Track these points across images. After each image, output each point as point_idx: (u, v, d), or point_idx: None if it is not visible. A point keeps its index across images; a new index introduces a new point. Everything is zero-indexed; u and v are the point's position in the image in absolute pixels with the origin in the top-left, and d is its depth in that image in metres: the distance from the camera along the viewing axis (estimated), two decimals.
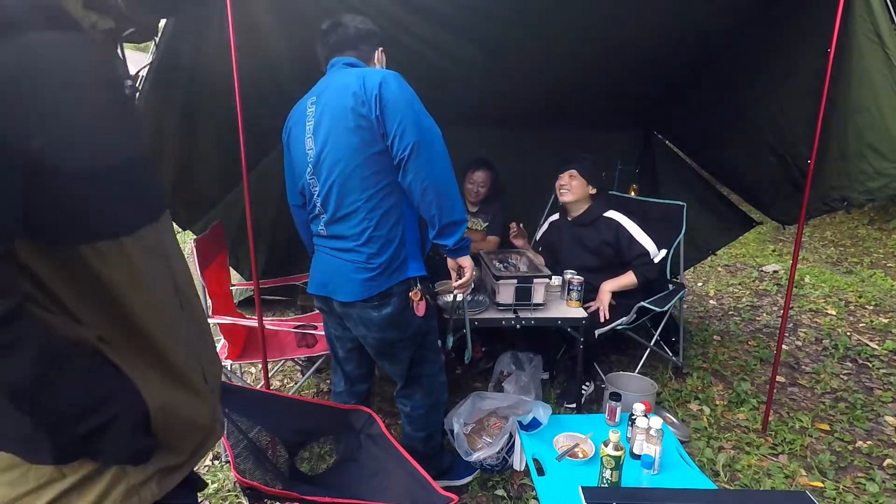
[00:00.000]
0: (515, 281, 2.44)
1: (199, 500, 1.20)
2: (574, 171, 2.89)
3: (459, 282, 1.86)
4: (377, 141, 1.65)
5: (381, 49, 1.90)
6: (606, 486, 1.76)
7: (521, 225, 3.03)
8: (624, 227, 2.86)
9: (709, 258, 4.08)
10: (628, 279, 2.84)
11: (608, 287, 2.83)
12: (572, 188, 2.91)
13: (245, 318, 2.65)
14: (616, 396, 2.20)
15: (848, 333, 3.88)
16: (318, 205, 1.80)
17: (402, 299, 1.79)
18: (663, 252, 2.97)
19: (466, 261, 1.82)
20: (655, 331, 3.10)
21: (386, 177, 1.69)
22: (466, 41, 2.45)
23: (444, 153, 1.67)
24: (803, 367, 3.38)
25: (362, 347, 1.96)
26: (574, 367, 2.76)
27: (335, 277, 1.80)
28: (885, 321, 4.12)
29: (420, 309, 1.82)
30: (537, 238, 3.30)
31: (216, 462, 2.41)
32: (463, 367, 3.20)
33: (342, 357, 2.07)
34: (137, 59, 2.13)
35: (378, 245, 1.72)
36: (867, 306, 4.47)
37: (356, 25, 1.83)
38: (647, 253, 2.84)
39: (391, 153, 1.65)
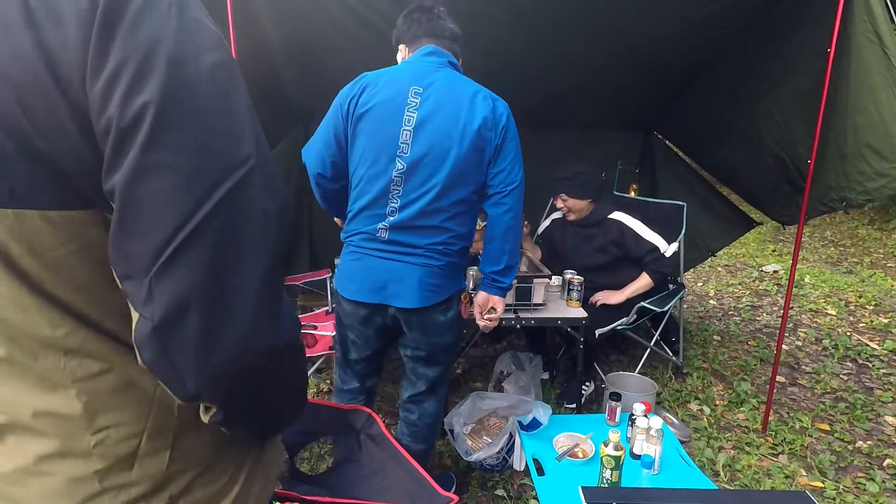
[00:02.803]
0: (515, 281, 2.44)
1: None
2: (564, 195, 2.89)
3: (488, 317, 1.86)
4: (483, 164, 1.68)
5: (461, 60, 1.92)
6: (606, 486, 1.76)
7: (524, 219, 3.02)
8: (629, 227, 2.85)
9: (709, 258, 4.08)
10: (643, 282, 2.83)
11: (622, 296, 2.82)
12: (571, 209, 2.91)
13: None
14: (616, 396, 2.20)
15: (848, 333, 3.88)
16: (394, 205, 1.67)
17: (458, 303, 1.83)
18: (674, 245, 2.94)
19: (503, 303, 1.85)
20: (655, 331, 3.11)
21: (473, 195, 1.72)
22: (466, 43, 2.45)
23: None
24: (803, 367, 3.38)
25: (381, 352, 1.92)
26: (574, 367, 2.76)
27: (397, 282, 1.70)
28: (885, 321, 4.12)
29: (465, 311, 1.86)
30: (539, 232, 3.30)
31: None
32: (463, 367, 3.19)
33: (355, 358, 1.97)
34: None
35: (453, 255, 1.74)
36: (867, 306, 4.47)
37: (455, 26, 1.83)
38: (656, 248, 2.82)
39: (490, 181, 1.70)
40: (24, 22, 0.46)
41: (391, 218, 1.67)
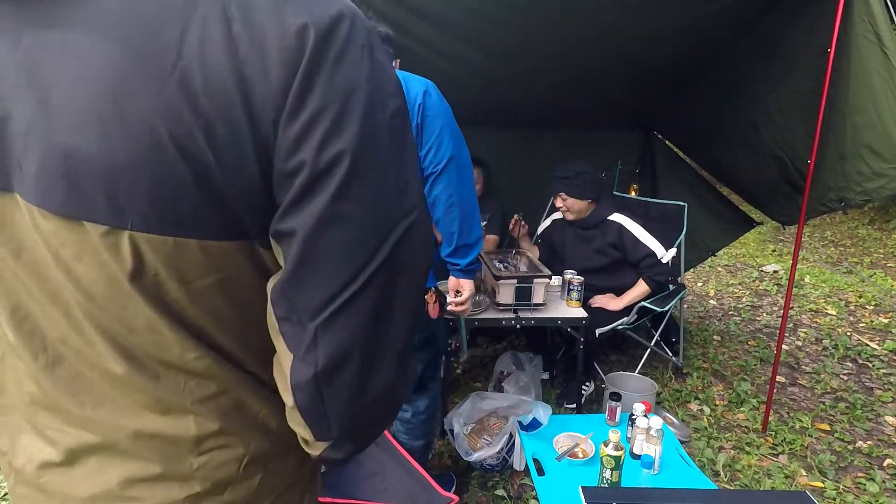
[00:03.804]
0: (515, 281, 2.44)
1: None
2: (563, 194, 2.89)
3: (457, 300, 1.84)
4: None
5: (398, 60, 1.87)
6: (606, 486, 1.76)
7: (521, 216, 3.02)
8: (628, 230, 2.85)
9: (709, 258, 4.08)
10: (641, 289, 2.83)
11: (621, 303, 2.82)
12: (569, 208, 2.91)
13: None
14: (616, 396, 2.20)
15: (848, 333, 3.88)
16: None
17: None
18: (672, 252, 2.93)
19: (469, 284, 1.81)
20: (655, 331, 3.11)
21: None
22: (466, 43, 2.45)
23: (472, 173, 1.70)
24: (803, 367, 3.38)
25: None
26: (574, 367, 2.76)
27: None
28: (885, 321, 4.12)
29: (434, 311, 1.82)
30: (539, 232, 3.30)
31: None
32: (463, 367, 3.20)
33: None
34: None
35: None
36: (867, 306, 4.47)
37: (384, 29, 1.79)
38: (653, 254, 2.82)
39: (421, 165, 1.65)
40: (226, 49, 0.44)
41: None
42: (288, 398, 0.53)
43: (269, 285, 0.52)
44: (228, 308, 0.55)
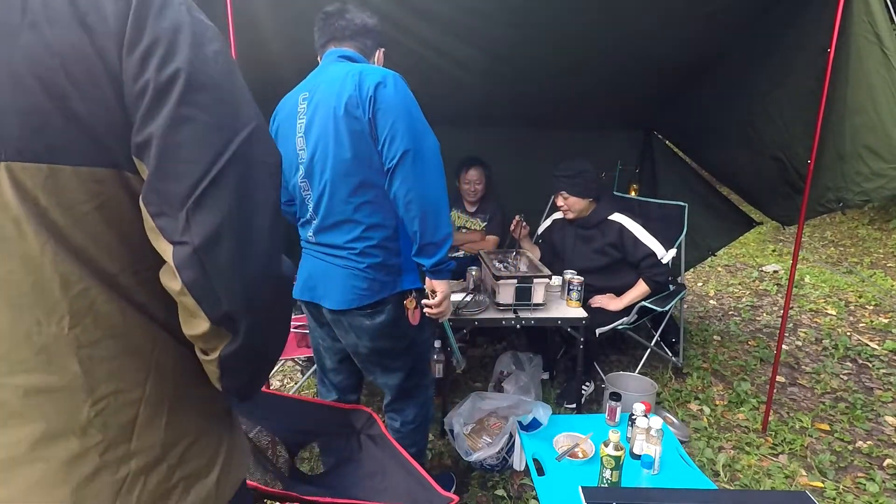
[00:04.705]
0: (515, 281, 2.44)
1: None
2: (564, 193, 2.89)
3: (431, 303, 1.71)
4: (370, 145, 1.55)
5: (382, 49, 1.81)
6: (606, 486, 1.76)
7: (523, 218, 3.01)
8: (628, 230, 2.85)
9: (709, 258, 4.08)
10: (641, 289, 2.83)
11: (621, 304, 2.82)
12: (570, 207, 2.91)
13: None
14: (616, 396, 2.20)
15: (848, 333, 3.88)
16: (310, 210, 1.70)
17: (397, 307, 1.69)
18: (672, 252, 2.92)
19: (442, 286, 1.68)
20: (655, 331, 3.11)
21: (368, 181, 1.59)
22: (466, 43, 2.46)
23: (436, 166, 1.55)
24: (803, 367, 3.38)
25: (352, 358, 1.87)
26: (574, 367, 2.76)
27: (325, 283, 1.70)
28: (885, 321, 4.12)
29: (415, 317, 1.73)
30: (539, 232, 3.31)
31: None
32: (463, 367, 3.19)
33: (330, 367, 1.97)
34: None
35: (375, 253, 1.63)
36: (867, 306, 4.48)
37: (364, 18, 1.73)
38: (653, 254, 2.81)
39: (381, 159, 1.55)
40: (70, 9, 0.56)
41: (314, 222, 1.70)
42: (175, 283, 0.60)
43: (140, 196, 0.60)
44: (109, 232, 0.60)
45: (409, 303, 1.71)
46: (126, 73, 0.57)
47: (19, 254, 0.57)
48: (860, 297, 4.68)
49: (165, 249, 0.59)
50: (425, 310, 1.74)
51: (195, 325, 0.62)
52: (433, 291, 1.70)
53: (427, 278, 1.69)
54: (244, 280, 0.62)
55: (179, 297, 0.61)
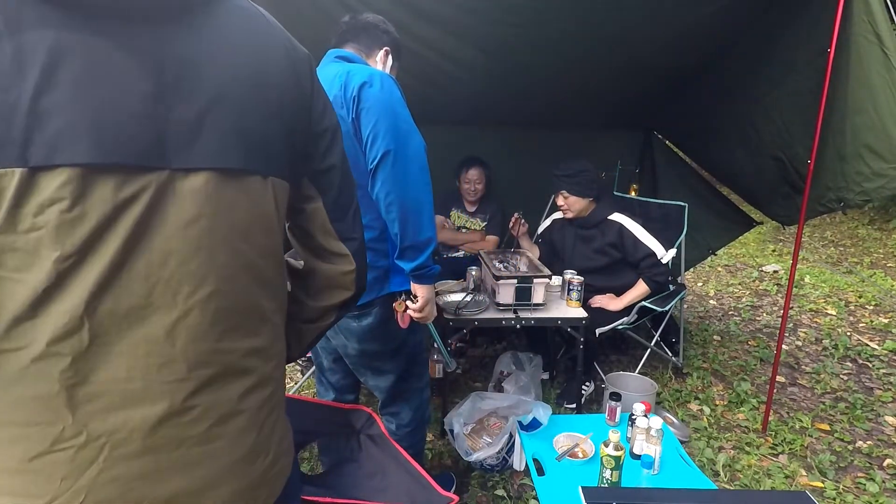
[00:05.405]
0: (515, 281, 2.44)
1: None
2: (564, 192, 2.89)
3: (414, 307, 1.64)
4: (356, 146, 1.52)
5: (385, 49, 1.75)
6: (606, 486, 1.76)
7: (523, 216, 3.01)
8: (628, 230, 2.85)
9: (709, 258, 4.08)
10: (641, 289, 2.82)
11: (621, 304, 2.82)
12: (570, 206, 2.91)
13: None
14: (616, 396, 2.20)
15: (848, 333, 3.88)
16: None
17: (385, 310, 1.67)
18: (672, 252, 2.92)
19: (424, 291, 1.61)
20: (655, 331, 3.11)
21: (367, 185, 1.55)
22: (466, 43, 2.45)
23: (421, 168, 1.52)
24: (803, 367, 3.38)
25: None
26: (574, 367, 2.76)
27: None
28: (885, 321, 4.12)
29: (405, 320, 1.70)
30: (539, 232, 3.30)
31: None
32: (463, 367, 3.20)
33: (327, 367, 1.96)
34: None
35: None
36: (867, 306, 4.48)
37: (367, 18, 1.71)
38: (653, 254, 2.81)
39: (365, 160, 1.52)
40: (289, 69, 0.77)
41: None
42: (349, 265, 0.92)
43: (311, 207, 0.85)
44: (267, 241, 0.76)
45: (399, 305, 1.67)
46: (312, 119, 0.81)
47: (271, 249, 0.76)
48: (860, 297, 4.68)
49: (337, 245, 0.89)
50: (408, 313, 1.69)
51: (340, 294, 0.93)
52: (415, 296, 1.65)
53: (413, 283, 1.64)
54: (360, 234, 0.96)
55: (345, 276, 0.91)
